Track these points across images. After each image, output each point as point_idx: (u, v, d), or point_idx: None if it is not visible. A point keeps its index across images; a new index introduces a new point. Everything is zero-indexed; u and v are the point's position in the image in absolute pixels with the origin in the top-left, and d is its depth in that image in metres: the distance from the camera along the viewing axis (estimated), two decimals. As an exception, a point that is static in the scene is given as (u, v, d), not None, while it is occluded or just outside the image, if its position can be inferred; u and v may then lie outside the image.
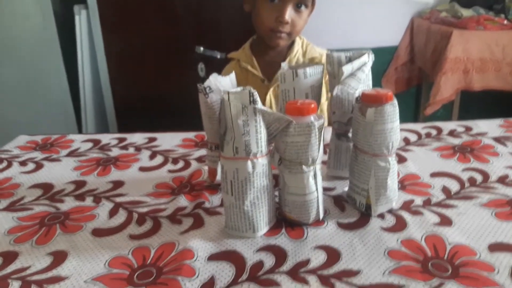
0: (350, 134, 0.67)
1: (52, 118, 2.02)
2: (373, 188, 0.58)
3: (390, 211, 0.61)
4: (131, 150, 0.89)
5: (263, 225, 0.56)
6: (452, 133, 0.89)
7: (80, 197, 0.70)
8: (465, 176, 0.71)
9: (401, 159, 0.78)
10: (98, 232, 0.59)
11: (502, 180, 0.69)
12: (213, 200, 0.67)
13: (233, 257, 0.52)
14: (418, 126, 0.94)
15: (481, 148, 0.81)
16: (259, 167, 0.54)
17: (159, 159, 0.83)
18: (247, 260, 0.52)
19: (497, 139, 0.85)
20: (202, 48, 1.81)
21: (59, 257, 0.54)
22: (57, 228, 0.61)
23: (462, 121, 0.96)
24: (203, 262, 0.52)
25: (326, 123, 0.55)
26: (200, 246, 0.54)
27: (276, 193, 0.61)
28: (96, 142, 0.93)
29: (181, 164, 0.81)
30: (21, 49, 1.94)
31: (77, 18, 1.90)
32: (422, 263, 0.50)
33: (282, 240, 0.55)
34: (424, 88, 2.34)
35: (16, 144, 0.95)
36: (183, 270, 0.50)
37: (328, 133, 0.73)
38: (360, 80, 0.63)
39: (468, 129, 0.91)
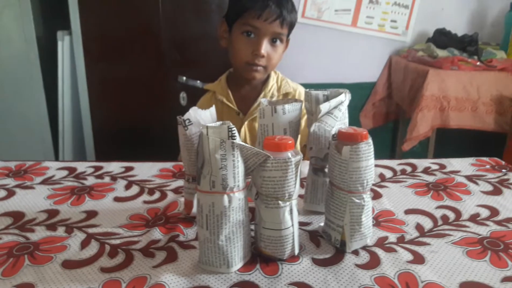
0: (326, 170, 0.68)
1: (29, 144, 1.98)
2: (347, 224, 0.59)
3: (365, 248, 0.61)
4: (107, 179, 0.87)
5: (237, 261, 0.56)
6: (426, 171, 0.91)
7: (52, 227, 0.68)
8: (438, 213, 0.72)
9: (376, 195, 0.79)
10: (68, 264, 0.58)
11: (473, 218, 0.71)
12: (188, 233, 0.66)
13: (206, 293, 0.52)
14: (394, 163, 0.96)
15: (453, 186, 0.83)
16: (236, 202, 0.54)
17: (134, 189, 0.82)
18: (220, 296, 0.51)
19: (469, 178, 0.87)
20: (184, 78, 1.83)
21: (25, 290, 0.52)
22: (25, 259, 0.59)
23: (436, 159, 0.98)
24: (175, 297, 0.51)
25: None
26: (173, 281, 0.53)
27: (252, 227, 0.61)
28: (71, 170, 0.92)
29: (157, 195, 0.80)
30: (1, 73, 1.91)
31: (60, 43, 1.89)
32: (394, 301, 0.50)
33: (257, 276, 0.55)
34: (401, 123, 2.40)
35: (-11, 169, 0.92)
36: (154, 306, 0.49)
37: (305, 167, 0.73)
38: (336, 118, 0.65)
39: (442, 166, 0.94)
